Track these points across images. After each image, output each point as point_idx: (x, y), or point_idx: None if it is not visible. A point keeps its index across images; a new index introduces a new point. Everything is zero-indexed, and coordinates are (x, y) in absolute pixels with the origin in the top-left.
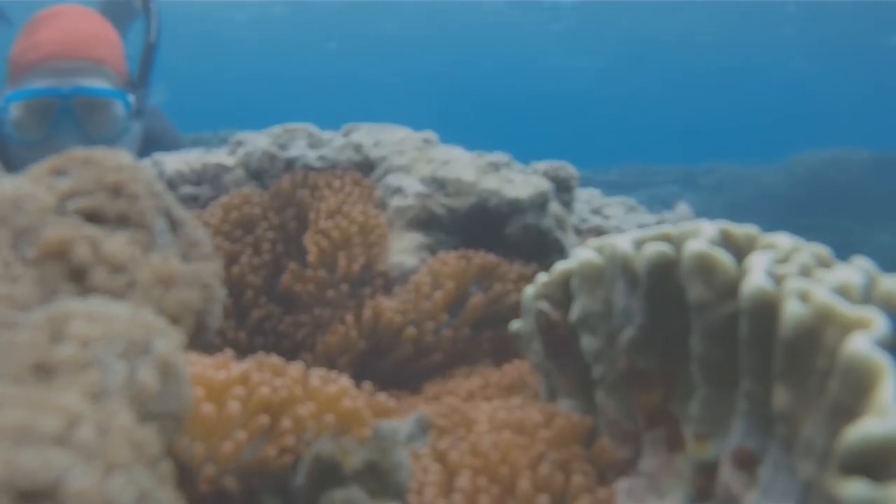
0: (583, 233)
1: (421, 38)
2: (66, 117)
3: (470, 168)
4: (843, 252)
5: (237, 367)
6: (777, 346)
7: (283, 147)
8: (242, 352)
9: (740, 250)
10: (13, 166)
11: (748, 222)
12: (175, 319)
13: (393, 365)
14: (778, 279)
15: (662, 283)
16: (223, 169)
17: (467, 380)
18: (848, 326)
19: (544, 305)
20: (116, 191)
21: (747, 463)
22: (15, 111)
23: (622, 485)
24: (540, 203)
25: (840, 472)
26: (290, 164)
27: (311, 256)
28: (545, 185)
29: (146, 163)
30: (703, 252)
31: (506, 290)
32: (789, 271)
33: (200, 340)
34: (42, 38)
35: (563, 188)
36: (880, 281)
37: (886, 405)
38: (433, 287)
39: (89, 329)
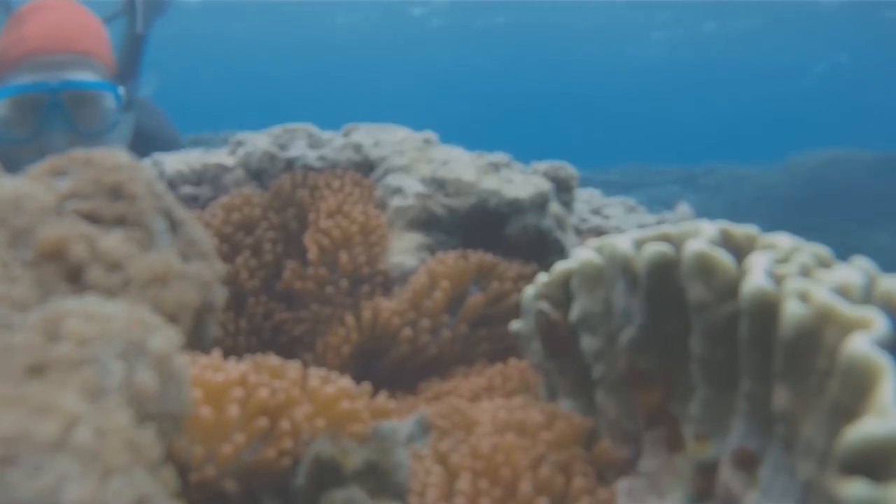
0: (583, 233)
1: (421, 39)
2: (55, 112)
3: (470, 168)
4: (843, 252)
5: (235, 369)
6: (777, 347)
7: (283, 147)
8: (242, 351)
9: (740, 250)
10: (3, 166)
11: (748, 222)
12: (174, 319)
13: (392, 365)
14: (778, 279)
15: (662, 283)
16: (223, 169)
17: (468, 380)
18: (848, 326)
19: (544, 305)
20: (116, 191)
21: (747, 463)
22: (2, 109)
23: (622, 485)
24: (540, 203)
25: (840, 472)
26: (290, 165)
27: (312, 255)
28: (545, 185)
29: (146, 163)
30: (703, 252)
31: (505, 290)
32: (789, 271)
33: (200, 340)
34: (27, 32)
35: (563, 188)
36: (880, 281)
37: (886, 405)
38: (431, 287)
39: (87, 329)
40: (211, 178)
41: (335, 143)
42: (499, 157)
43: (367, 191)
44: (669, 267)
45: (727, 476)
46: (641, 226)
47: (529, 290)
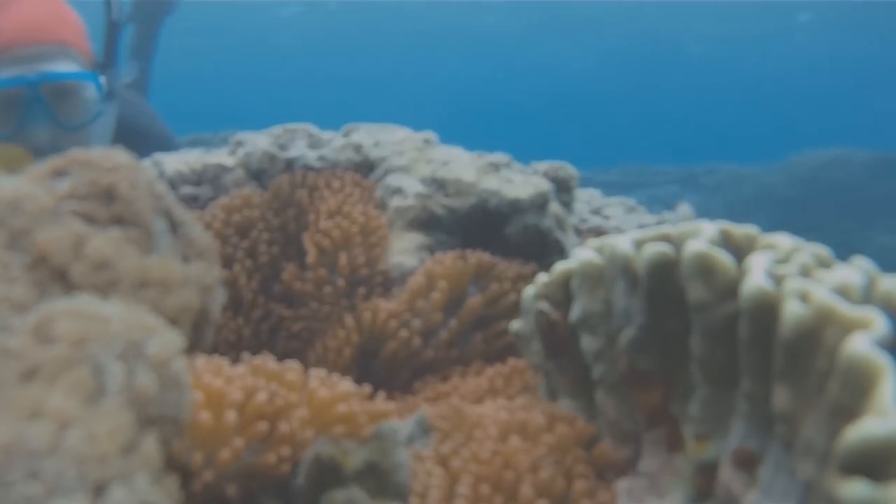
0: (583, 233)
1: (421, 38)
2: (35, 107)
3: (470, 168)
4: (843, 252)
5: (233, 372)
6: (777, 347)
7: (283, 147)
8: (241, 352)
9: (740, 250)
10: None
11: (748, 222)
12: (174, 320)
13: (390, 366)
14: (778, 279)
15: (662, 283)
16: (223, 169)
17: (469, 380)
18: (848, 327)
19: (544, 306)
20: (115, 192)
21: (747, 463)
22: None
23: (622, 485)
24: (540, 203)
25: (840, 472)
26: (290, 165)
27: (311, 257)
28: (545, 185)
29: (147, 163)
30: (703, 252)
31: (504, 290)
32: (789, 271)
33: (199, 342)
34: (1, 25)
35: (563, 188)
36: (880, 281)
37: (886, 405)
38: (429, 288)
39: (85, 329)
40: (211, 179)
41: (335, 144)
42: (499, 157)
43: (367, 191)
44: (669, 267)
45: (727, 476)
46: (641, 226)
47: (529, 291)
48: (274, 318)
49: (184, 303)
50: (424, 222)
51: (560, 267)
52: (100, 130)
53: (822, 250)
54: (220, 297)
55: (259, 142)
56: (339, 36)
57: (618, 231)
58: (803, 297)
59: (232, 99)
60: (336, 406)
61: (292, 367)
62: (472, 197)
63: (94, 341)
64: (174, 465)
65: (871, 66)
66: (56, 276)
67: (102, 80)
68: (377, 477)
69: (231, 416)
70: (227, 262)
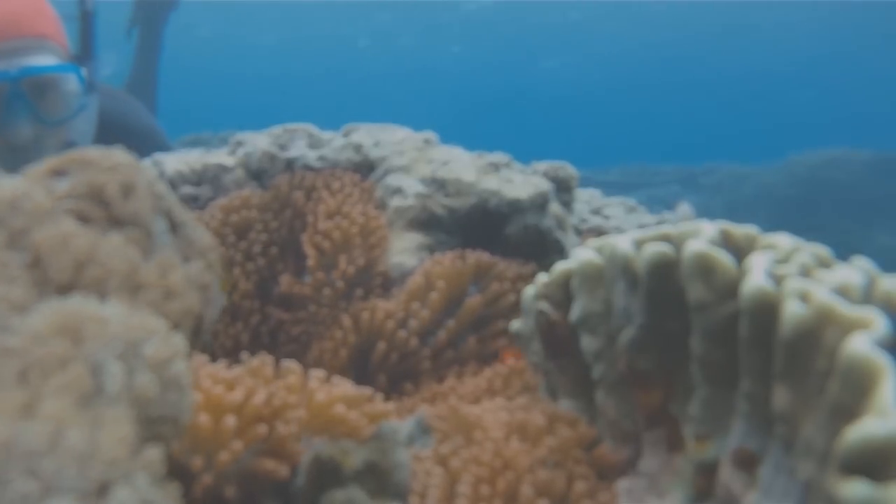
0: (583, 233)
1: (421, 38)
2: (17, 102)
3: (470, 168)
4: (843, 252)
5: (232, 375)
6: (777, 347)
7: (283, 147)
8: (240, 353)
9: (740, 250)
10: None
11: (748, 222)
12: (174, 322)
13: (388, 366)
14: (778, 279)
15: (662, 283)
16: (223, 169)
17: (466, 380)
18: (848, 327)
19: (544, 305)
20: (115, 192)
21: (747, 463)
22: None
23: (622, 485)
24: (540, 203)
25: (840, 472)
26: (290, 165)
27: (311, 260)
28: (545, 185)
29: (147, 163)
30: (703, 252)
31: (503, 290)
32: (789, 271)
33: (198, 343)
34: None
35: (563, 188)
36: (880, 281)
37: (886, 405)
38: (427, 288)
39: (84, 329)
40: (211, 179)
41: (335, 144)
42: (499, 157)
43: (366, 192)
44: (669, 267)
45: (727, 476)
46: (641, 226)
47: (529, 291)
48: (272, 321)
49: (185, 304)
50: (424, 222)
51: (560, 267)
52: (82, 125)
53: (822, 250)
54: (219, 297)
55: (259, 142)
56: (340, 35)
57: (618, 231)
58: (803, 297)
59: (232, 99)
60: (336, 407)
61: (291, 369)
62: (472, 197)
63: (93, 341)
64: (174, 467)
65: (871, 66)
66: (58, 276)
67: (84, 72)
68: (377, 477)
69: (230, 418)
70: (229, 261)
